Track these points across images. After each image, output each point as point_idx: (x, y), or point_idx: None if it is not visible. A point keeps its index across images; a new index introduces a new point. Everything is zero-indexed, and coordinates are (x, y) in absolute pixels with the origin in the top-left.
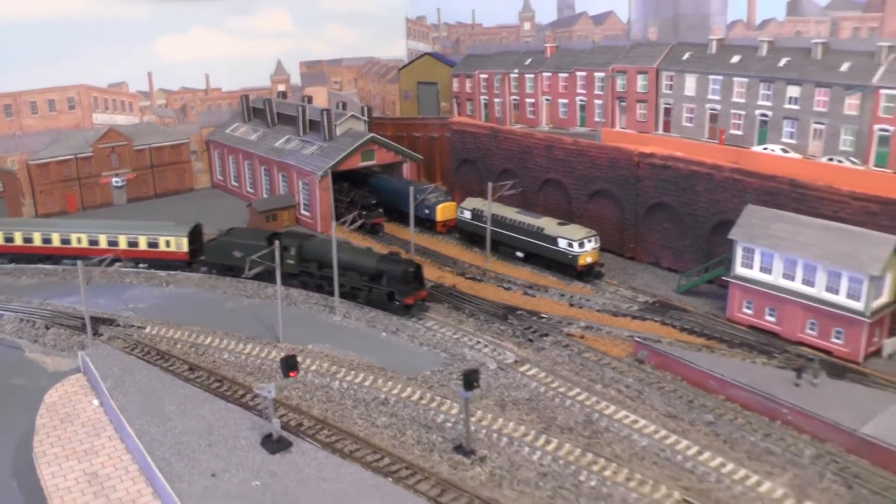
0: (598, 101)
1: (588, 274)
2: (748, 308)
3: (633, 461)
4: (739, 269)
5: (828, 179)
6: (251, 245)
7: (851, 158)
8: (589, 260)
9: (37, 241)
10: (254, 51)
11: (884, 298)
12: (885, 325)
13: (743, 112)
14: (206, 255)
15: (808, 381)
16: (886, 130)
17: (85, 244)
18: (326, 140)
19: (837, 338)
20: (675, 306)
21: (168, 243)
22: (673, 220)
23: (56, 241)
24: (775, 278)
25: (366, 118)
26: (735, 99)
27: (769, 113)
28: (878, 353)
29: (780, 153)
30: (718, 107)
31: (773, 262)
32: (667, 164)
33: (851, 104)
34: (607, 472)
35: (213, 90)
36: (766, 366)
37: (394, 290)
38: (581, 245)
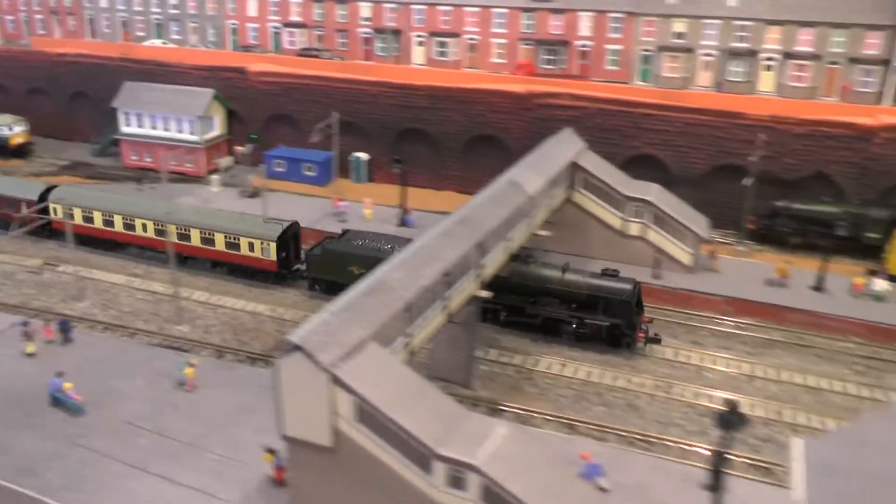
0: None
1: (21, 152)
2: (134, 155)
3: None
4: (124, 129)
5: (183, 58)
6: (379, 258)
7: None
8: (20, 140)
9: (97, 222)
10: None
11: (215, 132)
12: (220, 149)
13: (142, 17)
14: (308, 268)
15: (147, 187)
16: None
17: (151, 233)
18: None
19: (189, 163)
20: (88, 164)
21: (251, 246)
22: (86, 102)
23: (118, 224)
24: (146, 130)
25: None
26: (137, 7)
27: (161, 17)
28: (216, 170)
29: (161, 45)
30: (126, 14)
31: (143, 119)
32: (80, 62)
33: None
34: None
35: None
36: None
37: (620, 320)
38: (10, 129)
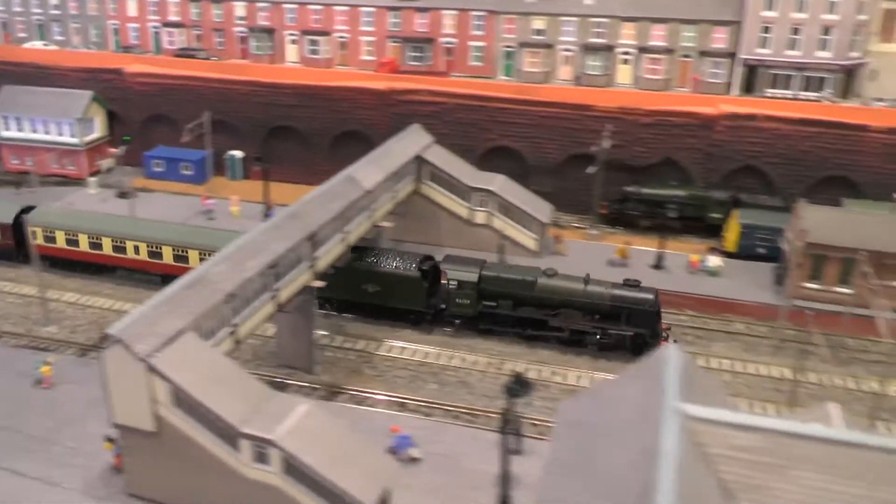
0: None
1: None
2: (15, 159)
3: None
4: (4, 133)
5: (62, 60)
6: (397, 275)
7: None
8: None
9: (83, 244)
10: None
11: (96, 134)
12: (102, 150)
13: (22, 19)
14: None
15: (26, 191)
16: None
17: (144, 255)
18: None
19: (70, 166)
20: None
21: None
22: None
23: (107, 247)
24: (27, 134)
25: None
26: (17, 8)
27: (42, 18)
28: (97, 172)
29: (42, 46)
30: (6, 16)
31: (23, 123)
32: None
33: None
34: None
35: None
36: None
37: (644, 330)
38: None
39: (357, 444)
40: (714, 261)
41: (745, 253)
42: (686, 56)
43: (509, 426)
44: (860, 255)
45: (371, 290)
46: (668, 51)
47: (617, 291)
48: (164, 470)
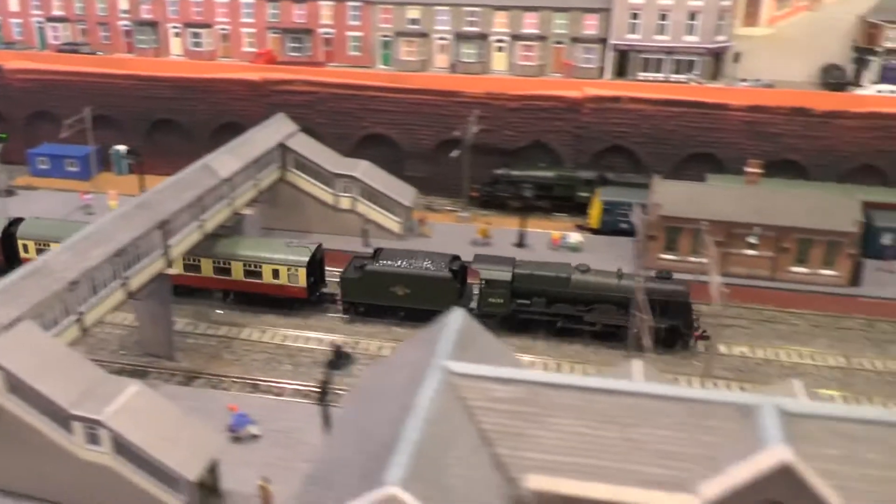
0: None
1: None
2: None
3: None
4: None
5: None
6: (428, 277)
7: None
8: None
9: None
10: None
11: None
12: None
13: None
14: (344, 292)
15: None
16: None
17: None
18: None
19: None
20: None
21: (276, 273)
22: None
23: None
24: None
25: None
26: None
27: None
28: None
29: None
30: None
31: None
32: None
33: None
34: None
35: None
36: None
37: (677, 321)
38: None
39: (184, 422)
40: (574, 237)
41: (608, 228)
42: (559, 43)
43: (327, 397)
44: (702, 225)
45: (400, 292)
46: (540, 38)
47: (652, 285)
48: (6, 457)
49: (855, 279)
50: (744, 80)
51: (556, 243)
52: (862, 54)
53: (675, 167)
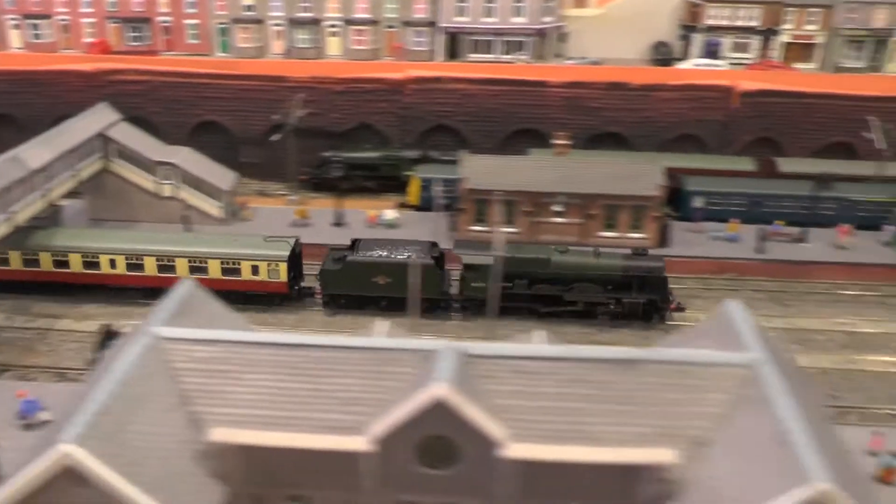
0: None
1: None
2: None
3: None
4: None
5: None
6: (408, 265)
7: None
8: None
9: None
10: None
11: None
12: None
13: None
14: (324, 285)
15: None
16: None
17: (122, 269)
18: None
19: None
20: None
21: (255, 269)
22: None
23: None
24: None
25: None
26: None
27: None
28: None
29: None
30: None
31: None
32: None
33: None
34: None
35: None
36: None
37: (655, 296)
38: None
39: None
40: (390, 214)
41: (426, 205)
42: (391, 27)
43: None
44: (496, 196)
45: (382, 282)
46: (372, 22)
47: (630, 262)
48: None
49: (663, 240)
50: (570, 59)
51: (372, 221)
52: (687, 31)
53: (500, 143)
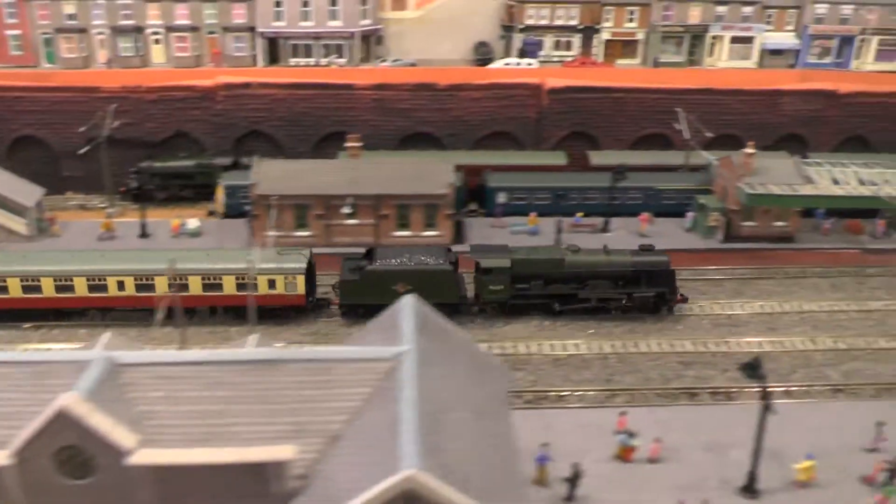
0: None
1: None
2: None
3: None
4: None
5: None
6: (429, 271)
7: None
8: None
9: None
10: None
11: None
12: None
13: None
14: (343, 295)
15: None
16: None
17: (130, 290)
18: None
19: None
20: None
21: (273, 283)
22: None
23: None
24: None
25: None
26: None
27: None
28: None
29: None
30: None
31: None
32: None
33: None
34: None
35: None
36: None
37: (664, 290)
38: None
39: None
40: (193, 223)
41: (233, 212)
42: (212, 33)
43: None
44: (272, 201)
45: (402, 290)
46: (193, 28)
47: (638, 258)
48: None
49: (458, 237)
50: (383, 61)
51: (175, 230)
52: (507, 32)
53: (314, 147)
